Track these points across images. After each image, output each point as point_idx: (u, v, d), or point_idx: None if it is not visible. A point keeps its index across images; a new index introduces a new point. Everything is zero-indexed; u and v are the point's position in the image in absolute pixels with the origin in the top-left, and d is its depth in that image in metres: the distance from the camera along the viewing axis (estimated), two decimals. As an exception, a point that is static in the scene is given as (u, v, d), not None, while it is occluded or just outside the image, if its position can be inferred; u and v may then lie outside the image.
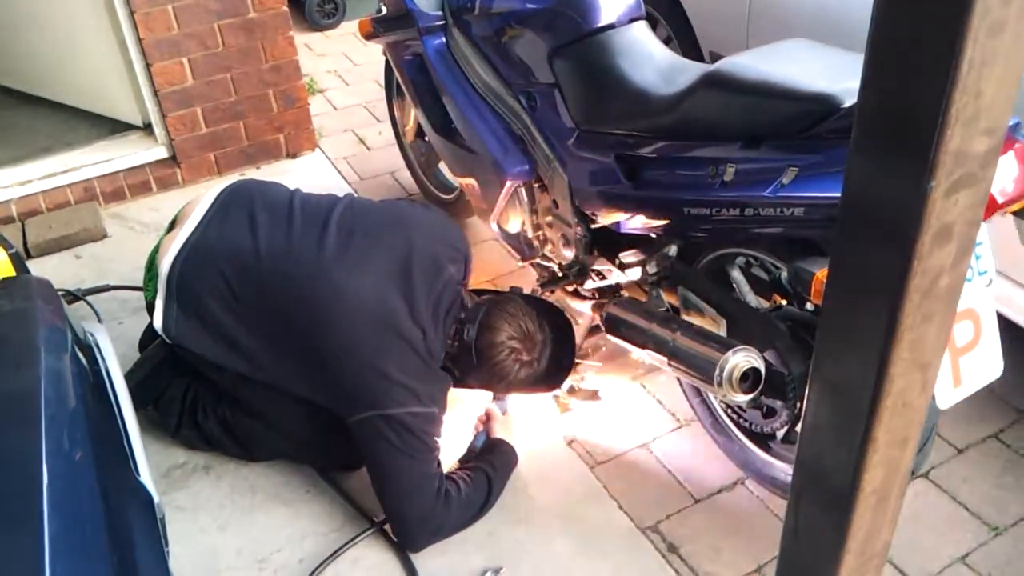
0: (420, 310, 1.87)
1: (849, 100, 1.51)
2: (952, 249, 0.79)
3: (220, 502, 2.05)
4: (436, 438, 1.86)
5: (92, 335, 1.64)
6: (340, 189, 3.24)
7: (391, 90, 3.08)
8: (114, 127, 3.36)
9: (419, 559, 1.89)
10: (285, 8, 3.16)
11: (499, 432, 2.11)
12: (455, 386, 1.98)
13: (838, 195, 0.85)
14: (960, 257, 0.81)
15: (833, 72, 1.61)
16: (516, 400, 2.23)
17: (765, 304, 1.89)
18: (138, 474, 1.41)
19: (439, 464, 1.88)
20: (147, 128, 3.30)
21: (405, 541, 1.90)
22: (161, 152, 3.25)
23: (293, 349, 1.88)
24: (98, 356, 1.58)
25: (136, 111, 3.29)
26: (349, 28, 4.78)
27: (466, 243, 2.09)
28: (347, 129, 3.77)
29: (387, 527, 1.95)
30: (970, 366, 1.54)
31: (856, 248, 0.85)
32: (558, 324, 2.01)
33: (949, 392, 1.55)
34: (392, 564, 1.90)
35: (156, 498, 1.41)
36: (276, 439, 2.07)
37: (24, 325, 1.33)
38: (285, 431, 2.05)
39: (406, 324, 1.84)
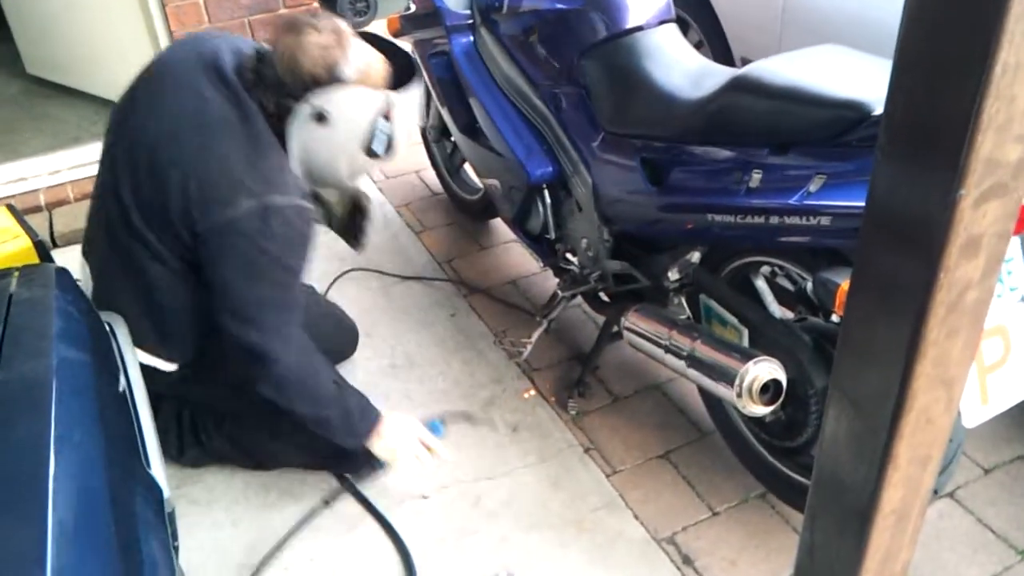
0: (228, 78, 1.75)
1: (880, 107, 1.47)
2: (980, 262, 0.76)
3: (234, 497, 2.05)
4: (282, 238, 1.71)
5: (110, 325, 1.65)
6: (364, 187, 3.24)
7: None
8: (144, 120, 3.39)
9: (427, 560, 1.88)
10: (316, 4, 3.17)
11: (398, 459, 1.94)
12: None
13: (866, 204, 0.82)
14: (989, 271, 0.77)
15: (864, 78, 1.57)
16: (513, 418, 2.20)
17: (790, 315, 1.86)
18: (149, 467, 1.41)
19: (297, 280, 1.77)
20: (176, 121, 3.31)
21: (235, 315, 1.74)
22: (189, 146, 3.26)
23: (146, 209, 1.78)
24: (115, 347, 1.59)
25: (166, 104, 3.31)
26: (380, 26, 4.78)
27: None
28: (374, 127, 3.76)
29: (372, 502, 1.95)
30: (998, 384, 1.50)
31: (880, 258, 0.82)
32: (375, 36, 1.84)
33: (976, 410, 1.50)
34: (395, 561, 1.89)
35: (166, 492, 1.40)
36: (287, 449, 2.03)
37: (39, 313, 1.32)
38: (295, 441, 1.99)
39: (219, 107, 1.72)
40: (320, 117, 1.69)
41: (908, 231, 0.78)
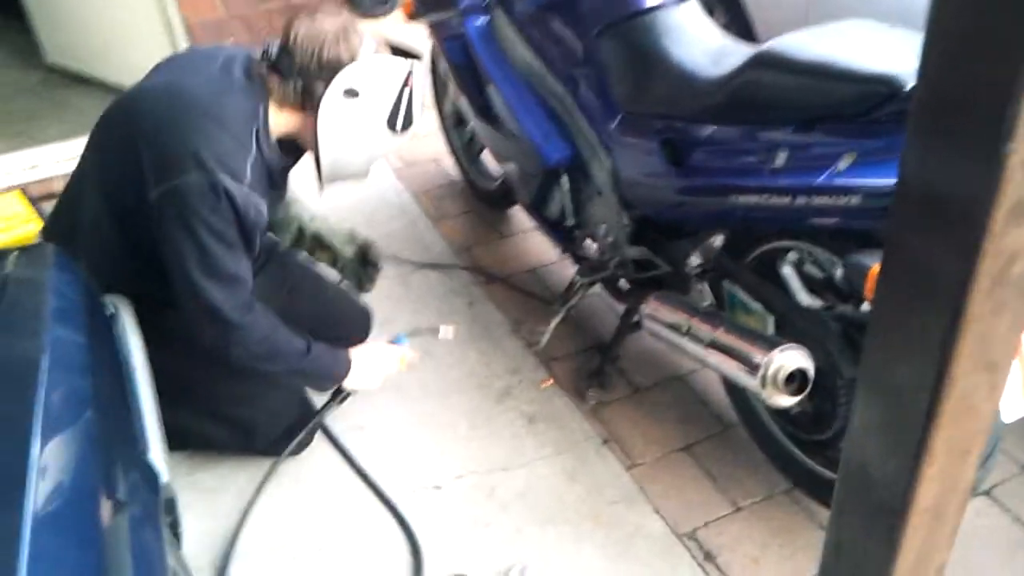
0: (234, 72, 1.79)
1: (911, 81, 1.39)
2: (1030, 229, 0.68)
3: (243, 486, 2.01)
4: (223, 213, 1.69)
5: (115, 308, 1.61)
6: (383, 174, 3.20)
7: (436, 74, 3.01)
8: (160, 107, 3.38)
9: (439, 552, 1.83)
10: (336, -8, 3.13)
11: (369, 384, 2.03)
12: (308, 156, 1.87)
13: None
14: (1040, 238, 0.70)
15: (896, 52, 1.49)
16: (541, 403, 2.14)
17: (817, 303, 1.78)
18: (147, 452, 1.36)
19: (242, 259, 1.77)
20: (193, 109, 3.30)
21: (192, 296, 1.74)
22: (205, 133, 3.24)
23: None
24: (116, 329, 1.55)
25: (182, 92, 3.30)
26: (399, 16, 4.74)
27: None
28: (393, 115, 3.72)
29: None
30: (1041, 375, 1.41)
31: (914, 230, 0.75)
32: None
33: (1016, 403, 1.42)
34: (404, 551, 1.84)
35: (164, 478, 1.36)
36: (272, 409, 2.05)
37: (34, 293, 1.29)
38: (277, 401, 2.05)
39: (197, 87, 1.75)
40: (352, 92, 1.77)
41: (945, 199, 0.70)
